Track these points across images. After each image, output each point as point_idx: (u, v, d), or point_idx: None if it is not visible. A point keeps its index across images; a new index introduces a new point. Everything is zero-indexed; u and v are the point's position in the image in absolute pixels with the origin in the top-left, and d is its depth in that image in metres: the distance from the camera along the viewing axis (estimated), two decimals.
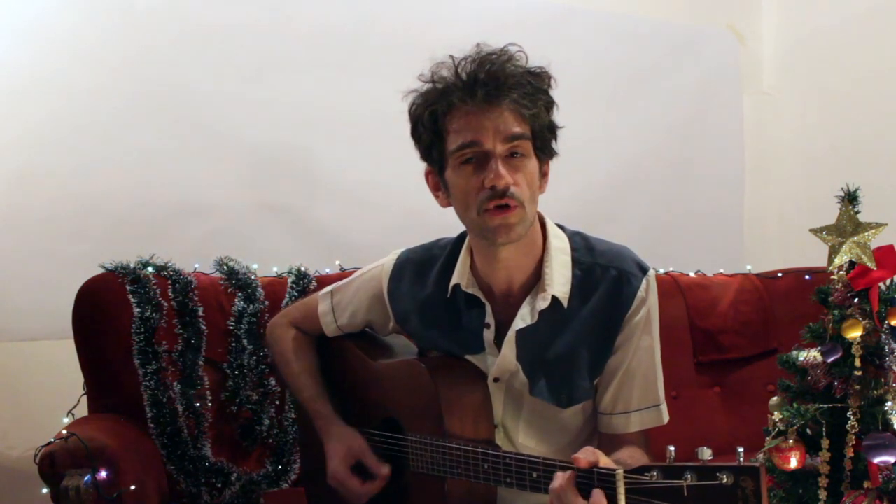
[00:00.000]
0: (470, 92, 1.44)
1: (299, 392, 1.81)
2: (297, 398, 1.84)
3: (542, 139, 1.49)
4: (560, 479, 1.26)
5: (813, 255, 1.82)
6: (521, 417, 1.59)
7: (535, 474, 1.35)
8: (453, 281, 1.59)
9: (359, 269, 1.85)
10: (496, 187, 1.43)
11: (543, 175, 1.53)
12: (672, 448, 1.16)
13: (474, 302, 1.59)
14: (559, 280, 1.53)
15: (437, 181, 1.54)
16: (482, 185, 1.44)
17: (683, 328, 2.68)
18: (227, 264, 2.35)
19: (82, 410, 2.16)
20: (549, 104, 1.50)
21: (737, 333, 2.73)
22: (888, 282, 1.44)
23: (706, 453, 1.14)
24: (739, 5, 3.63)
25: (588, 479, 1.23)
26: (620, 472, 1.18)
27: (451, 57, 1.47)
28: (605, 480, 1.20)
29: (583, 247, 1.57)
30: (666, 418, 1.58)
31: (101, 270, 2.19)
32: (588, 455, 1.25)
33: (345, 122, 2.86)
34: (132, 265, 2.22)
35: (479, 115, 1.43)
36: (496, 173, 1.42)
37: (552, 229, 1.58)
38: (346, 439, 1.69)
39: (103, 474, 1.77)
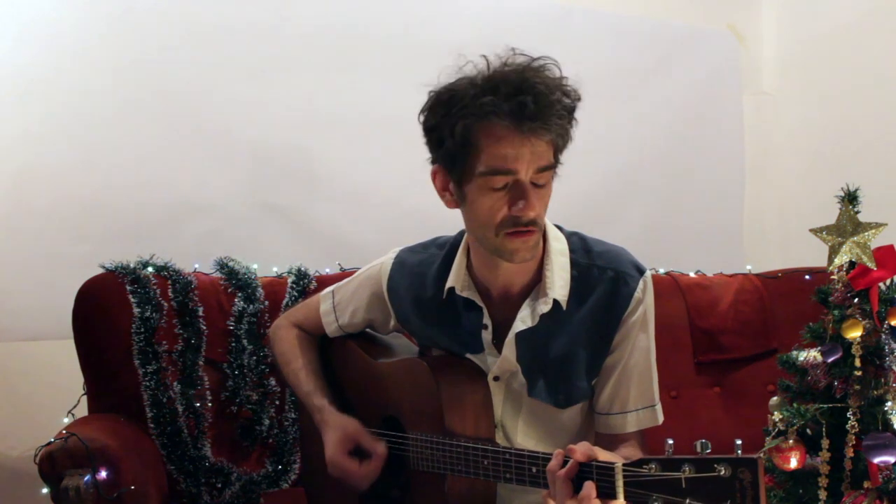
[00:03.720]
0: (517, 120, 1.36)
1: (298, 388, 1.81)
2: (297, 394, 1.84)
3: (559, 155, 1.46)
4: (557, 462, 1.27)
5: (813, 255, 1.82)
6: (519, 417, 1.59)
7: (534, 469, 1.35)
8: (448, 284, 1.59)
9: (359, 268, 1.85)
10: (521, 218, 1.41)
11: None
12: (670, 441, 1.16)
13: (471, 304, 1.59)
14: (559, 283, 1.53)
15: (447, 182, 1.49)
16: (508, 213, 1.41)
17: (683, 328, 2.67)
18: (227, 264, 2.35)
19: (82, 410, 2.16)
20: (573, 118, 1.45)
21: (737, 333, 2.72)
22: (888, 282, 1.45)
23: (704, 446, 1.14)
24: (739, 5, 3.63)
25: (587, 473, 1.23)
26: (619, 464, 1.19)
27: (485, 58, 1.41)
28: (604, 473, 1.21)
29: (580, 248, 1.57)
30: (661, 418, 1.59)
31: (101, 270, 2.20)
32: (585, 449, 1.25)
33: (345, 122, 2.86)
34: (132, 265, 2.22)
35: (521, 144, 1.37)
36: (527, 205, 1.40)
37: (551, 231, 1.58)
38: (341, 425, 1.68)
39: (103, 474, 1.77)
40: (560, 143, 1.43)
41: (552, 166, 1.43)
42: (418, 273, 1.67)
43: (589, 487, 1.21)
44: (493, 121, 1.37)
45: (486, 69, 1.41)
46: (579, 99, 1.44)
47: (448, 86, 1.43)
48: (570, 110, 1.42)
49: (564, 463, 1.26)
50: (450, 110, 1.41)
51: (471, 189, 1.44)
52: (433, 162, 1.51)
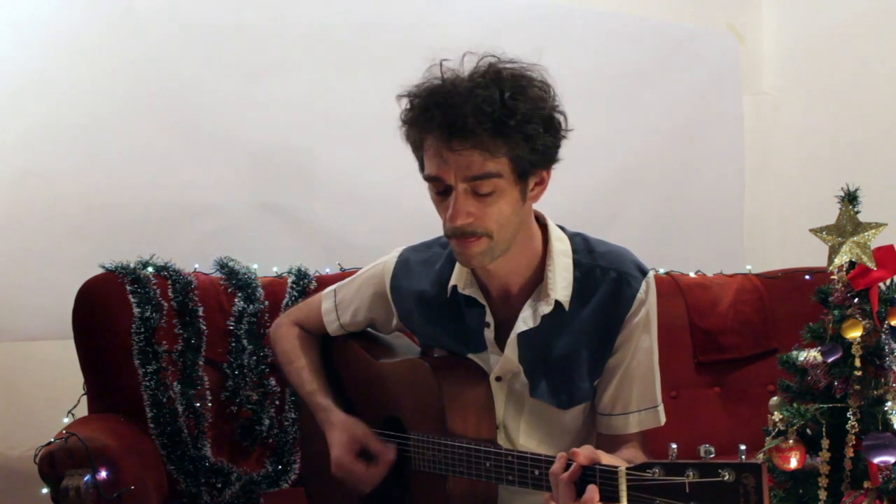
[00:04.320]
0: (434, 131, 1.41)
1: (301, 387, 1.80)
2: (299, 394, 1.84)
3: (525, 164, 1.42)
4: (560, 465, 1.27)
5: (813, 255, 1.82)
6: (522, 418, 1.59)
7: (536, 472, 1.35)
8: (451, 282, 1.60)
9: (359, 268, 1.85)
10: (452, 225, 1.43)
11: (539, 183, 1.49)
12: (674, 445, 1.16)
13: (474, 302, 1.59)
14: (561, 284, 1.53)
15: None
16: (445, 218, 1.45)
17: (683, 328, 2.68)
18: (227, 264, 2.35)
19: (82, 410, 2.16)
20: (536, 128, 1.40)
21: (737, 333, 2.72)
22: (888, 282, 1.44)
23: (708, 451, 1.14)
24: (739, 5, 3.63)
25: (590, 476, 1.23)
26: (623, 468, 1.19)
27: (441, 64, 1.44)
28: (607, 477, 1.21)
29: (583, 248, 1.57)
30: (663, 419, 1.59)
31: (101, 270, 2.20)
32: (588, 452, 1.25)
33: (345, 122, 2.85)
34: (132, 265, 2.22)
35: (441, 153, 1.40)
36: (454, 212, 1.41)
37: (554, 231, 1.58)
38: (349, 427, 1.68)
39: (103, 474, 1.78)
40: (502, 153, 1.38)
41: (489, 175, 1.39)
42: (422, 272, 1.67)
43: (592, 491, 1.21)
44: (421, 130, 1.44)
45: (440, 74, 1.43)
46: (539, 105, 1.41)
47: (405, 93, 1.48)
48: (508, 116, 1.36)
49: (568, 466, 1.26)
50: (401, 118, 1.49)
51: (428, 191, 1.50)
52: None
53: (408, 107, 1.46)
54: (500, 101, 1.38)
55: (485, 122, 1.36)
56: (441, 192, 1.45)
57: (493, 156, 1.39)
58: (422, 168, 1.50)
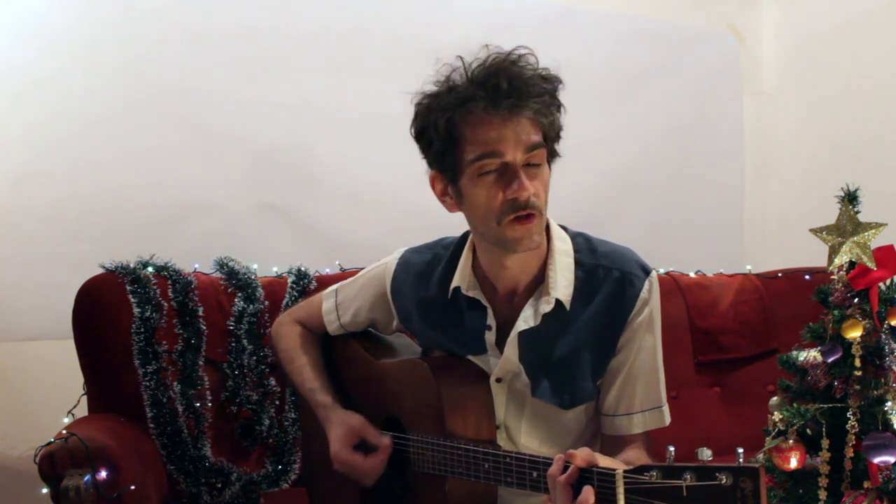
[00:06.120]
0: (493, 101, 1.39)
1: (302, 385, 1.80)
2: (300, 392, 1.84)
3: (553, 144, 1.48)
4: (557, 468, 1.27)
5: (813, 255, 1.82)
6: (523, 418, 1.59)
7: (535, 473, 1.35)
8: (454, 283, 1.59)
9: (359, 269, 1.85)
10: (518, 199, 1.41)
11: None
12: (672, 448, 1.16)
13: (475, 304, 1.58)
14: (562, 283, 1.53)
15: (446, 187, 1.51)
16: (504, 197, 1.42)
17: (683, 328, 2.68)
18: (227, 264, 2.35)
19: (82, 410, 2.16)
20: (560, 109, 1.48)
21: (737, 333, 2.72)
22: (888, 282, 1.44)
23: (706, 454, 1.14)
24: (739, 5, 3.64)
25: (587, 479, 1.23)
26: (620, 471, 1.19)
27: (461, 59, 1.44)
28: (605, 480, 1.20)
29: (585, 248, 1.57)
30: (668, 420, 1.58)
31: (101, 270, 2.20)
32: (585, 454, 1.25)
33: (345, 122, 2.86)
34: (132, 265, 2.22)
35: (501, 125, 1.39)
36: (520, 185, 1.41)
37: (556, 231, 1.58)
38: (346, 420, 1.68)
39: (103, 474, 1.77)
40: (545, 122, 1.43)
41: (540, 145, 1.43)
42: (423, 274, 1.67)
43: (587, 493, 1.21)
44: (471, 108, 1.40)
45: (463, 66, 1.43)
46: (559, 84, 1.46)
47: (427, 90, 1.47)
48: (550, 92, 1.43)
49: (566, 468, 1.26)
50: (432, 109, 1.45)
51: (465, 183, 1.46)
52: (429, 167, 1.53)
53: (443, 90, 1.44)
54: (539, 74, 1.43)
55: (539, 89, 1.41)
56: (490, 171, 1.42)
57: (540, 126, 1.43)
58: (450, 162, 1.46)
